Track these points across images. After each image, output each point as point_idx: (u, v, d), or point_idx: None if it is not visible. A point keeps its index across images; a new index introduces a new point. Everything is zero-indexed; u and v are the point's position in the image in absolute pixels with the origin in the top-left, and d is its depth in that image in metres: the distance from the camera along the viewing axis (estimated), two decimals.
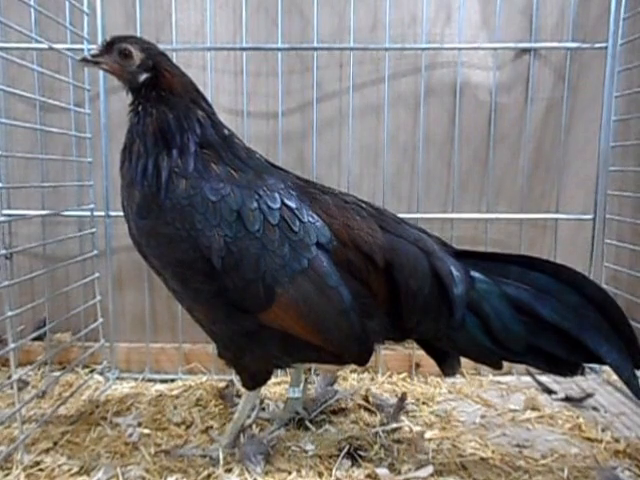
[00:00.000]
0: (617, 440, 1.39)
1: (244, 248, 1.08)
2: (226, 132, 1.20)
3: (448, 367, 1.25)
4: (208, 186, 1.10)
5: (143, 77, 1.17)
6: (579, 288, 1.12)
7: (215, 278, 1.10)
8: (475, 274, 1.17)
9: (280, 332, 1.15)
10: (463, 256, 1.21)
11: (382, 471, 1.21)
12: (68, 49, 1.68)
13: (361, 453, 1.28)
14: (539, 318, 1.11)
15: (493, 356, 1.17)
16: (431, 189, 1.83)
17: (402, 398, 1.55)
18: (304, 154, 1.81)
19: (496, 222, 1.79)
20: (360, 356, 1.18)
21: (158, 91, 1.16)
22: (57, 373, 1.71)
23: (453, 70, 1.78)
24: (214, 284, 1.11)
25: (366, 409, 1.55)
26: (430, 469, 1.23)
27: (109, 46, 1.18)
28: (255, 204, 1.10)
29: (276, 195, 1.13)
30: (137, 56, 1.17)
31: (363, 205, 1.23)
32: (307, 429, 1.43)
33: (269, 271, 1.09)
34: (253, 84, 1.78)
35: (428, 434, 1.40)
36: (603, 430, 1.45)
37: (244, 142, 1.25)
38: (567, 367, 1.16)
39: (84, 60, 1.21)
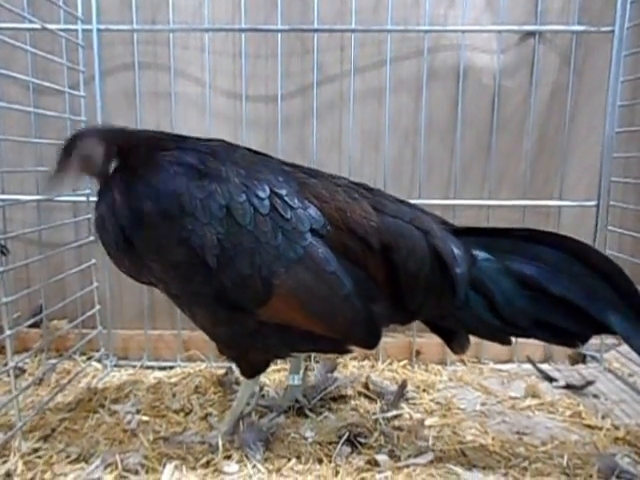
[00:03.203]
0: (617, 427, 1.39)
1: (237, 243, 1.05)
2: (192, 160, 1.12)
3: (457, 346, 1.23)
4: (193, 184, 1.07)
5: (113, 166, 1.15)
6: (583, 258, 1.08)
7: (212, 278, 1.07)
8: (476, 251, 1.13)
9: (282, 326, 1.13)
10: (463, 233, 1.17)
11: (382, 457, 1.21)
12: (62, 29, 1.64)
13: (361, 440, 1.28)
14: (544, 291, 1.08)
15: (500, 332, 1.15)
16: (433, 175, 1.80)
17: (402, 385, 1.54)
18: (304, 138, 1.78)
19: (498, 209, 1.76)
20: (368, 340, 1.16)
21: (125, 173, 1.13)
22: (54, 360, 1.69)
23: (456, 53, 1.74)
24: (213, 284, 1.08)
25: (366, 396, 1.54)
26: (430, 456, 1.23)
27: (67, 153, 1.17)
28: (243, 196, 1.07)
29: (264, 184, 1.10)
30: (99, 151, 1.15)
31: (355, 187, 1.19)
32: (307, 416, 1.42)
33: (265, 264, 1.06)
34: (252, 66, 1.74)
35: (428, 421, 1.40)
36: (603, 417, 1.44)
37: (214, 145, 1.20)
38: (576, 338, 1.13)
39: (48, 190, 1.20)
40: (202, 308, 1.16)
